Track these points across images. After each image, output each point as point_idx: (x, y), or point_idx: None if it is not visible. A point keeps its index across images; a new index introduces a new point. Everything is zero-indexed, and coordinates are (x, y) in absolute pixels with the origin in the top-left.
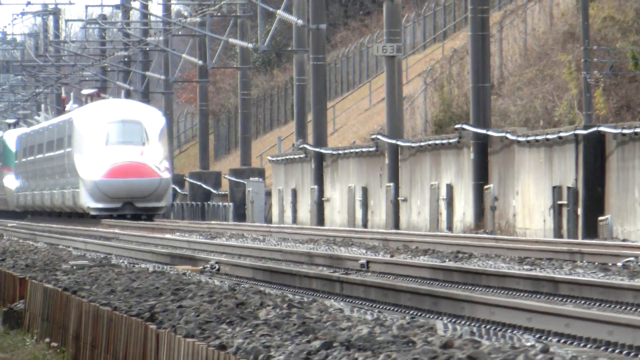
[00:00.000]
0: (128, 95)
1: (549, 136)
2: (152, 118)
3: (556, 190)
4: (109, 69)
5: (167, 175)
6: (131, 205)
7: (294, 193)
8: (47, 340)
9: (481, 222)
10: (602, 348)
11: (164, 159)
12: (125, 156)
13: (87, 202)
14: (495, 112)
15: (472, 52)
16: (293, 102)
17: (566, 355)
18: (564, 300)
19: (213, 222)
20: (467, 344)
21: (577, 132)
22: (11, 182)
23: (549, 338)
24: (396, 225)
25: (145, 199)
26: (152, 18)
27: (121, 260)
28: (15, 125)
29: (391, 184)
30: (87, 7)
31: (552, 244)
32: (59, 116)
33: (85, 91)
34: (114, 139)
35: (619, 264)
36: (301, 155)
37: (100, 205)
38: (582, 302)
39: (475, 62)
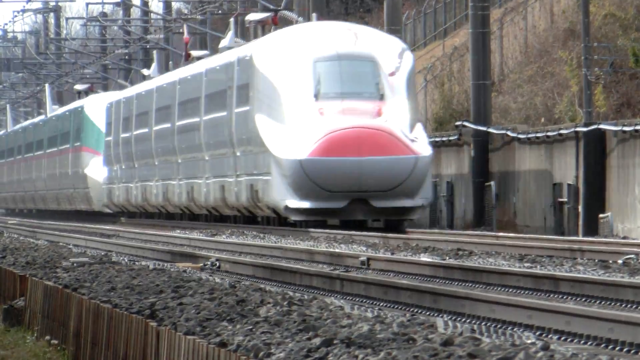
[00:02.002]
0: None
1: (550, 133)
2: (392, 52)
3: (557, 188)
4: (109, 67)
5: (425, 150)
6: (363, 205)
7: None
8: (48, 337)
9: (482, 219)
10: (603, 345)
11: (417, 124)
12: (350, 118)
13: (284, 198)
14: (495, 110)
15: (473, 49)
16: None
17: (567, 353)
18: (565, 297)
19: None
20: (468, 341)
21: (578, 129)
22: (96, 169)
23: (550, 335)
24: None
25: (389, 193)
26: (153, 15)
27: (122, 258)
28: (87, 92)
29: None
30: (87, 4)
31: (552, 242)
32: (198, 63)
33: (78, 86)
34: (330, 89)
35: (620, 262)
36: None
37: (307, 205)
38: (583, 299)
39: (475, 60)
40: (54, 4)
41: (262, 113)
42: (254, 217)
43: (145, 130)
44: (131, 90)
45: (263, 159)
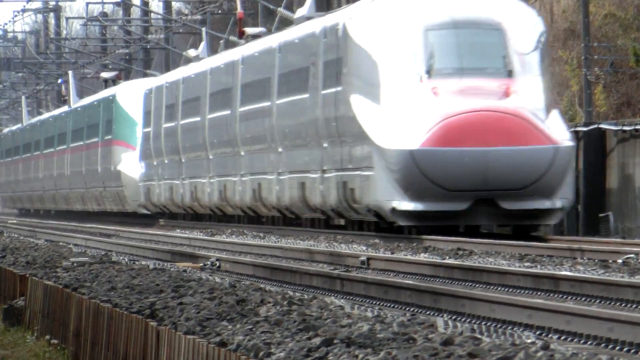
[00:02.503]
0: None
1: None
2: (521, 19)
3: None
4: (110, 67)
5: (566, 139)
6: (489, 207)
7: None
8: (48, 337)
9: None
10: (603, 345)
11: (553, 108)
12: (472, 100)
13: (390, 198)
14: None
15: None
16: None
17: (567, 352)
18: (565, 297)
19: None
20: (468, 341)
21: (578, 129)
22: (131, 165)
23: (550, 335)
24: None
25: (521, 192)
26: (153, 15)
27: (122, 257)
28: (115, 81)
29: None
30: (87, 4)
31: (552, 241)
32: (266, 39)
33: (104, 74)
34: (446, 64)
35: (619, 261)
36: None
37: (420, 207)
38: (583, 299)
39: None
40: (54, 3)
41: (359, 94)
42: (341, 219)
43: (196, 118)
44: (175, 74)
45: (361, 150)
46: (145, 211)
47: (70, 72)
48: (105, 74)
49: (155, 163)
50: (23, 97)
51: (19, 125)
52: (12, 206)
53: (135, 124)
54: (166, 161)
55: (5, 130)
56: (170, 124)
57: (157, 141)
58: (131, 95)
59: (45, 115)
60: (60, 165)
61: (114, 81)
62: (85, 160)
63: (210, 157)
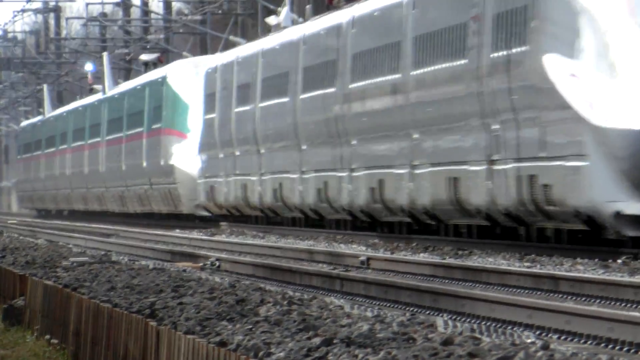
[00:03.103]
0: None
1: None
2: None
3: None
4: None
5: None
6: None
7: None
8: (48, 337)
9: None
10: (603, 345)
11: None
12: None
13: (613, 198)
14: None
15: None
16: None
17: (567, 352)
18: (565, 297)
19: None
20: (468, 340)
21: None
22: (187, 159)
23: (550, 335)
24: None
25: None
26: (153, 16)
27: (121, 257)
28: (156, 64)
29: None
30: (87, 4)
31: (552, 241)
32: None
33: (143, 56)
34: None
35: (619, 261)
36: None
37: None
38: (583, 299)
39: None
40: (54, 4)
41: (559, 54)
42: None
43: (283, 99)
44: (251, 47)
45: (564, 131)
46: (205, 213)
47: (105, 55)
48: (144, 56)
49: (221, 155)
50: (45, 86)
51: (40, 117)
52: (30, 206)
53: (187, 110)
54: (237, 153)
55: (24, 122)
56: (244, 108)
57: (224, 129)
58: (184, 77)
59: (73, 104)
60: (92, 160)
61: (154, 64)
62: (126, 153)
63: (304, 147)
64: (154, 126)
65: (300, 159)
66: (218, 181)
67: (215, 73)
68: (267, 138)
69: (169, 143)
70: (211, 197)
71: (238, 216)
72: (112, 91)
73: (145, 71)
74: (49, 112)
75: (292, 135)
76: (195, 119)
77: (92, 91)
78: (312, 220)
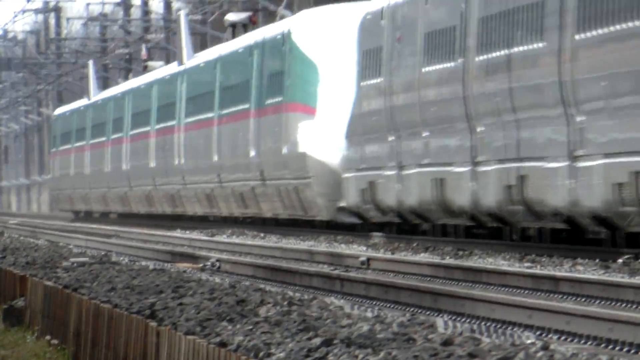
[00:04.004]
0: None
1: None
2: None
3: None
4: (110, 66)
5: None
6: None
7: None
8: (48, 337)
9: None
10: (603, 345)
11: None
12: None
13: None
14: None
15: None
16: None
17: (567, 353)
18: (565, 297)
19: None
20: (468, 341)
21: None
22: (323, 144)
23: (550, 335)
24: None
25: None
26: (153, 15)
27: (122, 258)
28: (246, 26)
29: None
30: (88, 4)
31: (552, 241)
32: None
33: (230, 16)
34: None
35: (619, 261)
36: None
37: None
38: (583, 299)
39: None
40: (54, 3)
41: None
42: None
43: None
44: None
45: None
46: (352, 220)
47: (182, 15)
48: (232, 16)
49: (391, 138)
50: (90, 63)
51: (85, 102)
52: (68, 208)
53: (318, 77)
54: (424, 134)
55: (61, 109)
56: (442, 66)
57: (400, 100)
58: (315, 32)
59: (132, 82)
60: (165, 150)
61: (244, 26)
62: (221, 139)
63: (583, 118)
64: (271, 101)
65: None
66: (384, 175)
67: (381, 19)
68: (489, 113)
69: (294, 122)
70: (370, 198)
71: (412, 225)
72: (191, 61)
73: (234, 35)
74: (95, 94)
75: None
76: (329, 88)
77: (146, 69)
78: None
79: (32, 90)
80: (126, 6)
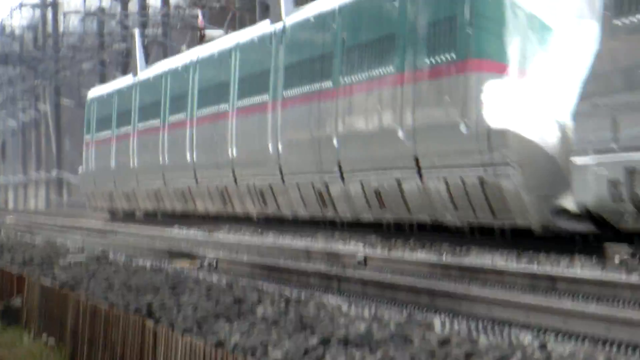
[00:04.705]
0: None
1: None
2: None
3: None
4: (107, 62)
5: None
6: None
7: None
8: (45, 336)
9: None
10: (600, 344)
11: None
12: None
13: None
14: None
15: None
16: None
17: (564, 352)
18: (562, 296)
19: None
20: (465, 341)
21: None
22: (531, 115)
23: (547, 334)
24: None
25: None
26: (151, 10)
27: (118, 256)
28: None
29: None
30: None
31: (549, 240)
32: None
33: None
34: None
35: (617, 261)
36: None
37: None
38: (580, 298)
39: None
40: None
41: None
42: None
43: None
44: None
45: None
46: (582, 227)
47: None
48: None
49: None
50: (136, 32)
51: (130, 79)
52: (108, 206)
53: (516, 22)
54: None
55: (97, 89)
56: None
57: None
58: None
59: (198, 50)
60: (249, 135)
61: None
62: (351, 115)
63: None
64: (444, 57)
65: None
66: None
67: None
68: None
69: (482, 87)
70: (628, 194)
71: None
72: (291, 17)
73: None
74: (142, 69)
75: None
76: (532, 37)
77: (203, 39)
78: None
79: (29, 86)
80: (123, 1)
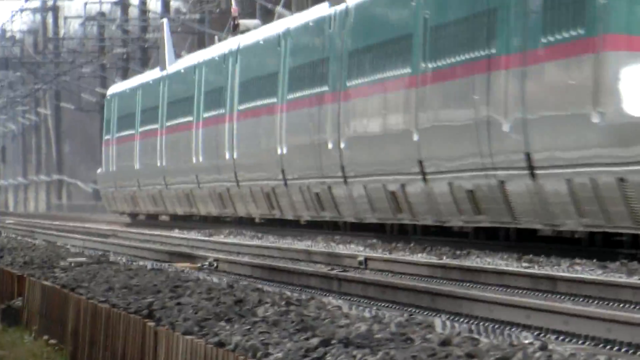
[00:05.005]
0: None
1: None
2: None
3: None
4: (107, 66)
5: None
6: None
7: None
8: (46, 337)
9: None
10: (601, 345)
11: None
12: None
13: None
14: None
15: None
16: None
17: (565, 353)
18: (563, 297)
19: None
20: (466, 341)
21: None
22: None
23: (548, 335)
24: None
25: None
26: (151, 15)
27: (119, 258)
28: None
29: None
30: (85, 4)
31: (550, 241)
32: None
33: None
34: None
35: (617, 262)
36: None
37: None
38: (581, 299)
39: None
40: (52, 3)
41: None
42: None
43: None
44: None
45: None
46: None
47: None
48: None
49: None
50: (165, 22)
51: (157, 73)
52: (126, 209)
53: None
54: None
55: (119, 86)
56: None
57: None
58: None
59: (237, 40)
60: (302, 127)
61: None
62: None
63: None
64: (557, 37)
65: None
66: None
67: None
68: None
69: (620, 69)
70: None
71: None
72: None
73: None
74: (172, 62)
75: None
76: None
77: (236, 29)
78: None
79: (29, 90)
80: (124, 5)
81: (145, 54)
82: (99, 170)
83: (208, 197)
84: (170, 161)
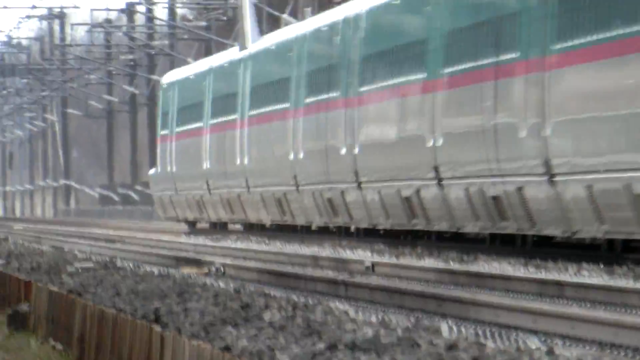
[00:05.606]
0: None
1: None
2: None
3: None
4: (114, 73)
5: None
6: None
7: None
8: (52, 342)
9: None
10: (607, 350)
11: None
12: None
13: None
14: None
15: None
16: None
17: (571, 357)
18: (569, 302)
19: None
20: (472, 346)
21: None
22: None
23: (554, 340)
24: None
25: None
26: (157, 22)
27: (126, 263)
28: None
29: None
30: (92, 11)
31: (557, 246)
32: None
33: None
34: None
35: (624, 267)
36: None
37: None
38: (588, 304)
39: None
40: (59, 10)
41: None
42: None
43: None
44: None
45: None
46: None
47: None
48: None
49: None
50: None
51: (235, 53)
52: (193, 216)
53: None
54: None
55: (175, 73)
56: None
57: None
58: None
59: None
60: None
61: None
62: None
63: None
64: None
65: None
66: None
67: None
68: None
69: None
70: None
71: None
72: None
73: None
74: (254, 41)
75: None
76: None
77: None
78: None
79: (36, 97)
80: (130, 13)
81: (152, 61)
82: (151, 171)
83: (307, 203)
84: (254, 159)
